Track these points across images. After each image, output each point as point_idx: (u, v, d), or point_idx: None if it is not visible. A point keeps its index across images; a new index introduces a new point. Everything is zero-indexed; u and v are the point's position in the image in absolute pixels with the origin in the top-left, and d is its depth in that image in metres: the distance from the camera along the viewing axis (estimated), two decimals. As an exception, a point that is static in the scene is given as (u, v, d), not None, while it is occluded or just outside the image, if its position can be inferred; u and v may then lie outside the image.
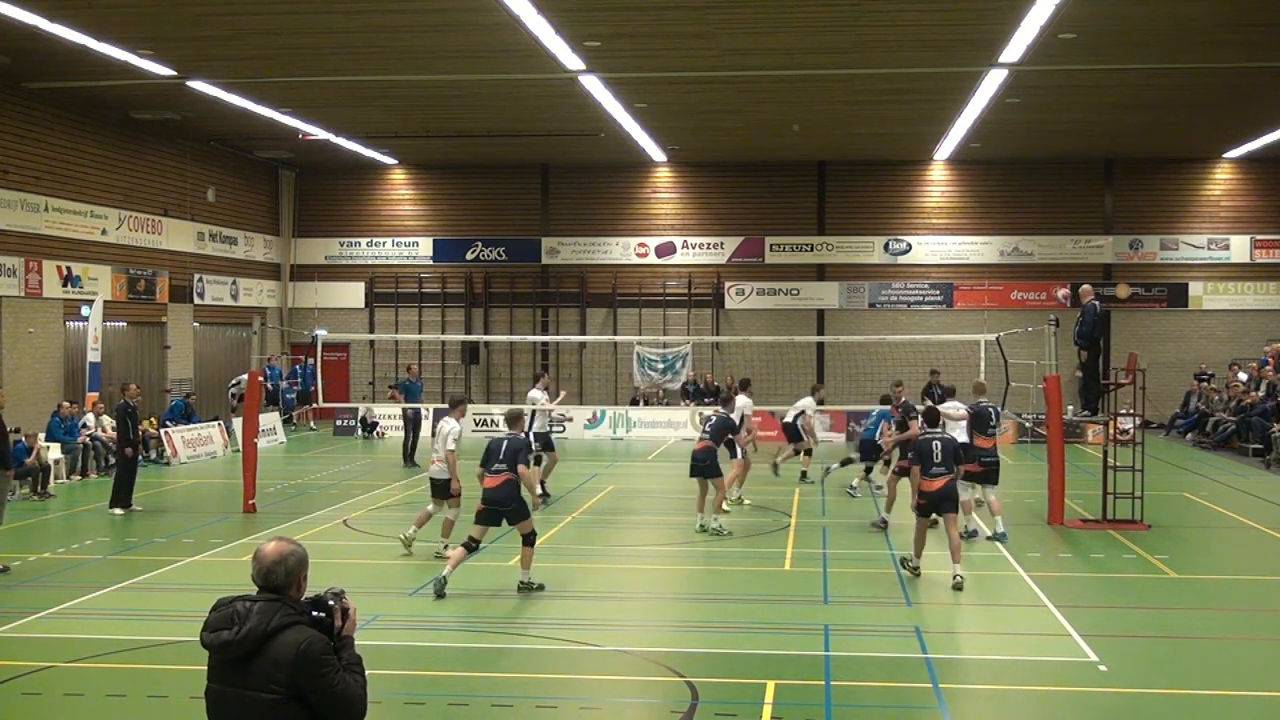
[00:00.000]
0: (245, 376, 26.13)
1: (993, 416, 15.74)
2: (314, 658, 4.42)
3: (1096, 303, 18.24)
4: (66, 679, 9.65)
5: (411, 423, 24.82)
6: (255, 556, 4.61)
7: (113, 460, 22.84)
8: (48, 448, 20.89)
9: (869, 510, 18.03)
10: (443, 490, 14.39)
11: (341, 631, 4.55)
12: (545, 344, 34.01)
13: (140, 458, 19.35)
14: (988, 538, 15.61)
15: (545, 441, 19.01)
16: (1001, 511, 15.78)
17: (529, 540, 12.56)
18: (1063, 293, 33.13)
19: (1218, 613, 12.22)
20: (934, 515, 13.13)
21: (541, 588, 12.63)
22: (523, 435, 13.22)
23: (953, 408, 16.48)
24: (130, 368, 27.53)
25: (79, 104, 25.40)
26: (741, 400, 18.53)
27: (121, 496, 18.03)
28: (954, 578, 12.74)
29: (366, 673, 4.63)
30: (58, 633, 11.06)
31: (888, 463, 18.38)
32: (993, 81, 23.04)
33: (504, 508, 12.45)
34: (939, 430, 13.62)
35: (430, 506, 14.65)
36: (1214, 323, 33.47)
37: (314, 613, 4.52)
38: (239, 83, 23.70)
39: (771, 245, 34.05)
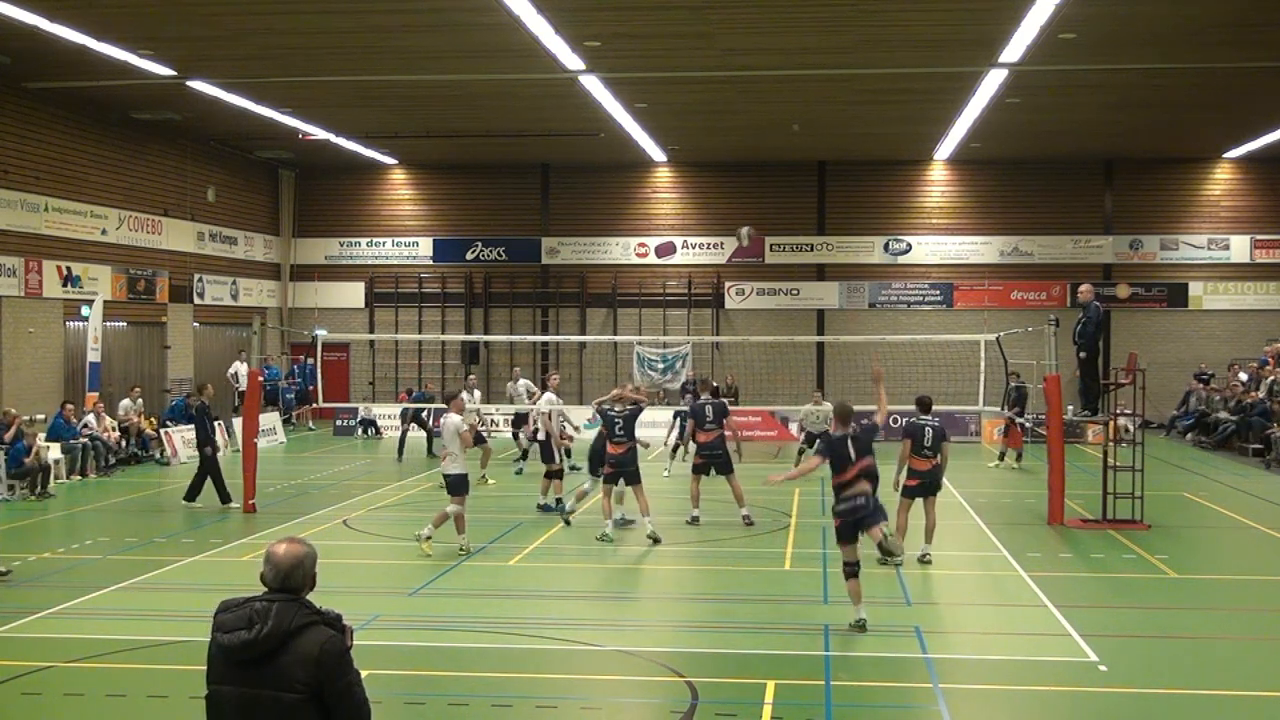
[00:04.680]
0: (240, 366, 27.14)
1: (708, 412, 16.92)
2: (336, 655, 4.44)
3: (1098, 304, 18.22)
4: (66, 679, 9.64)
5: (423, 424, 25.92)
6: (269, 559, 4.56)
7: (114, 460, 23.04)
8: (48, 448, 20.88)
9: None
10: (459, 487, 14.52)
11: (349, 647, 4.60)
12: (545, 344, 33.99)
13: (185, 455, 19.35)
14: (649, 535, 15.40)
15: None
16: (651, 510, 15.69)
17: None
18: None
19: (1218, 613, 12.22)
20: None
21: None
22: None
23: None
24: (130, 368, 27.55)
25: (79, 104, 25.39)
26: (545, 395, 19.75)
27: (195, 492, 18.74)
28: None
29: (367, 672, 4.65)
30: (58, 633, 11.06)
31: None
32: (993, 81, 23.03)
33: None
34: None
35: (450, 507, 14.61)
36: (1214, 323, 33.45)
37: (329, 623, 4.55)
38: (239, 83, 23.69)
39: (771, 245, 34.01)
